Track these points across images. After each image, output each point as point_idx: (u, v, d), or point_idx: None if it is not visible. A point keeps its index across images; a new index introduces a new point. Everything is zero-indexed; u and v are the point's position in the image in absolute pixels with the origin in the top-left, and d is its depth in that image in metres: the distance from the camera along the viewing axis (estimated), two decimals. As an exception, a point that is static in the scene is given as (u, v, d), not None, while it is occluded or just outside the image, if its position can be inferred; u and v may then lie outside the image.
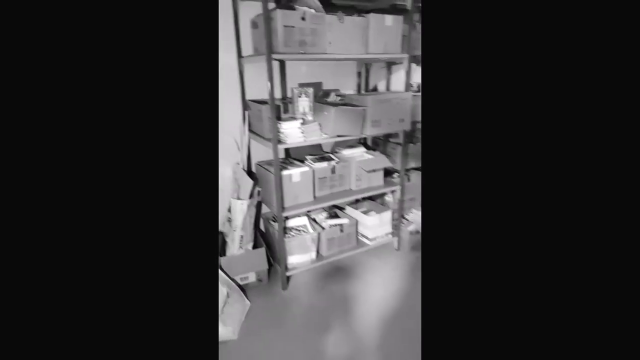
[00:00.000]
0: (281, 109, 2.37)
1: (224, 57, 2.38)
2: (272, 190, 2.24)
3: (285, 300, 2.29)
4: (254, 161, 2.63)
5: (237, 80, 2.45)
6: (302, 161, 2.54)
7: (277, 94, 2.62)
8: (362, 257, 2.73)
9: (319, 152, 2.72)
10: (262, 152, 2.62)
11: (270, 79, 1.98)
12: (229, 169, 2.57)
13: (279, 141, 2.16)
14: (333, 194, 2.54)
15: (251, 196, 2.34)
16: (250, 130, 2.46)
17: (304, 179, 2.36)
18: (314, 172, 2.43)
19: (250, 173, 2.62)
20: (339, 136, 2.30)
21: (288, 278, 2.45)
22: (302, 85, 2.67)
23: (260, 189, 2.47)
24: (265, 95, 2.55)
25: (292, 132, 2.19)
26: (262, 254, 2.38)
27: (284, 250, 2.33)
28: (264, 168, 2.43)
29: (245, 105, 2.49)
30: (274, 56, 1.99)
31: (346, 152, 2.63)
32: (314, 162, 2.48)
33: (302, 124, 2.23)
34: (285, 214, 2.27)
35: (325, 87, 2.79)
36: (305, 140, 2.23)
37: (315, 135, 2.27)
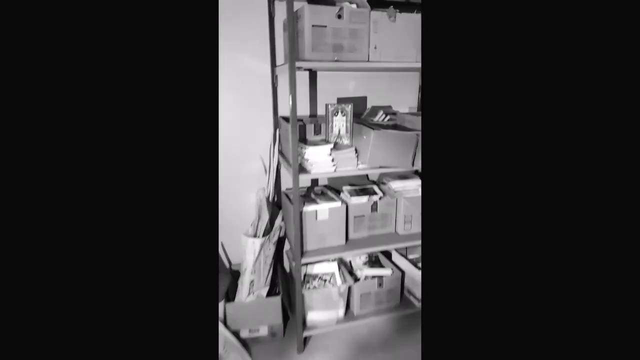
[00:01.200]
0: (312, 129, 1.93)
1: (258, 67, 2.04)
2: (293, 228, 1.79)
3: (297, 368, 1.81)
4: (284, 188, 2.23)
5: (270, 93, 2.08)
6: (338, 192, 2.06)
7: (306, 111, 2.19)
8: (408, 322, 2.12)
9: (362, 182, 2.21)
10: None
11: (292, 91, 1.56)
12: (254, 195, 2.20)
13: (301, 169, 1.72)
14: (372, 238, 2.01)
15: (267, 232, 1.93)
16: (281, 153, 2.06)
17: (334, 217, 1.87)
18: (348, 208, 1.94)
19: (276, 203, 2.22)
20: (381, 167, 1.78)
21: (306, 339, 1.97)
22: (341, 100, 2.21)
23: (283, 224, 2.05)
24: (303, 111, 2.14)
25: (320, 159, 1.73)
26: (277, 303, 1.94)
27: (302, 304, 1.86)
28: (288, 199, 2.00)
29: (277, 122, 2.11)
30: (299, 64, 1.56)
31: (395, 185, 2.08)
32: (351, 195, 1.98)
33: (334, 149, 1.76)
34: (305, 260, 1.81)
35: (374, 102, 2.29)
36: (335, 170, 1.75)
37: (350, 165, 1.78)
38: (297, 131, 1.63)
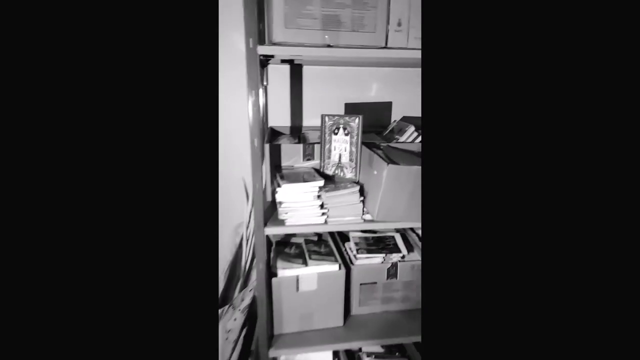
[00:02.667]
0: (300, 151, 1.29)
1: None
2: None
3: None
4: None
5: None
6: (343, 238, 1.41)
7: (286, 122, 1.54)
8: None
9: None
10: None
11: (254, 90, 0.94)
12: (228, 234, 1.62)
13: (265, 222, 1.09)
14: (387, 316, 1.33)
15: (227, 301, 1.33)
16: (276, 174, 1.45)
17: (326, 287, 1.23)
18: (351, 273, 1.28)
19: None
20: (396, 222, 1.10)
21: None
22: (349, 109, 1.53)
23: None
24: (285, 121, 1.51)
25: (301, 204, 1.09)
26: (242, 400, 1.34)
27: (270, 413, 1.24)
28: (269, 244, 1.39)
29: (264, 133, 1.50)
30: (265, 50, 0.93)
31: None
32: (359, 247, 1.32)
33: (329, 187, 1.11)
34: (277, 353, 1.18)
35: (404, 111, 1.58)
36: (327, 221, 1.10)
37: (350, 214, 1.12)
38: (261, 154, 1.00)
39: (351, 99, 1.53)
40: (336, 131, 1.21)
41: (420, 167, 1.01)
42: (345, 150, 1.20)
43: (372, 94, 1.54)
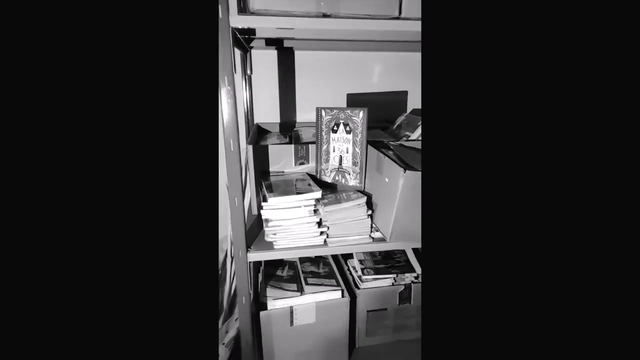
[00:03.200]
0: (291, 152, 1.05)
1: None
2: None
3: None
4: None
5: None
6: (348, 254, 1.19)
7: (276, 117, 1.31)
8: None
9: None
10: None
11: (227, 77, 0.70)
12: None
13: (248, 245, 0.86)
14: (400, 347, 1.12)
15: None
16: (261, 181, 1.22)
17: (327, 318, 1.00)
18: (357, 300, 1.06)
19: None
20: (414, 241, 0.88)
21: None
22: (352, 100, 1.29)
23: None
24: (273, 116, 1.28)
25: (293, 220, 0.86)
26: None
27: None
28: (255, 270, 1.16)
29: (249, 133, 1.26)
30: (236, 20, 0.69)
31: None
32: (366, 269, 1.10)
33: (322, 201, 0.88)
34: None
35: (419, 103, 1.35)
36: (326, 241, 0.88)
37: (357, 232, 0.89)
38: (239, 160, 0.77)
39: (355, 88, 1.29)
40: (335, 128, 0.97)
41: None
42: (348, 152, 0.97)
43: (381, 83, 1.31)
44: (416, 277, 1.13)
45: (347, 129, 0.96)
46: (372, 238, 0.90)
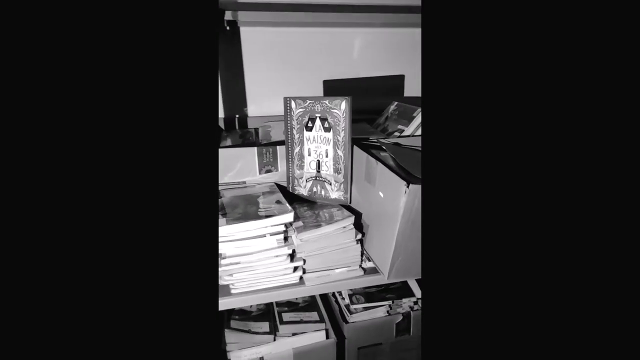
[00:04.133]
0: (253, 159, 0.81)
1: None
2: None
3: None
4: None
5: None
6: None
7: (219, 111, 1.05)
8: None
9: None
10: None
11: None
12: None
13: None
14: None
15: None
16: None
17: (309, 366, 0.79)
18: (346, 335, 0.85)
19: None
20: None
21: None
22: (328, 85, 1.05)
23: None
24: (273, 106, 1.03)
25: (258, 256, 0.63)
26: None
27: None
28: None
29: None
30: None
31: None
32: (356, 296, 0.90)
33: (295, 224, 0.65)
34: None
35: (418, 90, 1.12)
36: (302, 280, 0.65)
37: (343, 263, 0.67)
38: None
39: (333, 73, 1.05)
40: (310, 124, 0.74)
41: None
42: (327, 155, 0.74)
43: (368, 65, 1.07)
44: (415, 302, 0.92)
45: (326, 125, 0.72)
46: (364, 269, 0.69)
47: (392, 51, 1.06)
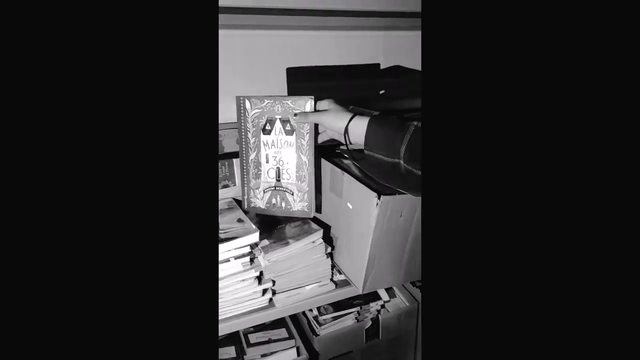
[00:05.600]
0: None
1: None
2: None
3: None
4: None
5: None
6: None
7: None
8: None
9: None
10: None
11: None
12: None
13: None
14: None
15: None
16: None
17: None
18: (318, 348, 0.83)
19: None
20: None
21: None
22: (292, 77, 0.98)
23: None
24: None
25: (222, 282, 0.57)
26: None
27: None
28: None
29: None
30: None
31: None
32: (324, 308, 0.87)
33: (261, 244, 0.61)
34: None
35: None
36: (272, 302, 0.61)
37: (314, 279, 0.64)
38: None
39: (299, 60, 0.95)
40: (268, 127, 0.69)
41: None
42: (289, 162, 0.69)
43: (342, 53, 0.96)
44: (382, 306, 0.93)
45: (288, 127, 0.67)
46: (335, 283, 0.67)
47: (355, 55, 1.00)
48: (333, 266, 0.66)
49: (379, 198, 0.53)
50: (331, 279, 0.66)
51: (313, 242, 0.63)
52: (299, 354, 0.80)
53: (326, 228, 0.67)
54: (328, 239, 0.66)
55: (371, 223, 0.55)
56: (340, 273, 0.67)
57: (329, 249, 0.65)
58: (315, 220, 0.69)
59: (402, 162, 0.50)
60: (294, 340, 0.81)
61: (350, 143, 0.56)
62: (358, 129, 0.54)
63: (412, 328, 0.96)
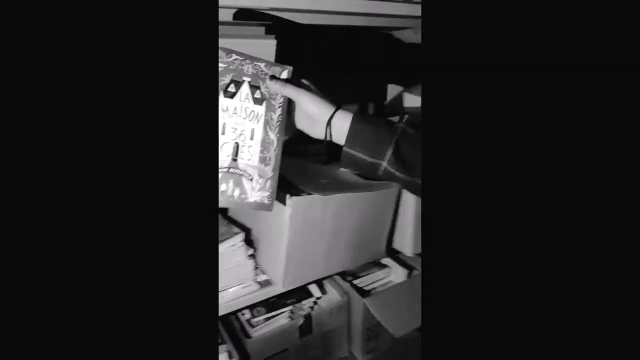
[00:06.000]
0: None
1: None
2: None
3: None
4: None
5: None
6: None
7: None
8: None
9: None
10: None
11: None
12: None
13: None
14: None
15: None
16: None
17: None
18: (250, 349, 0.84)
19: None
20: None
21: None
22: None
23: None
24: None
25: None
26: None
27: None
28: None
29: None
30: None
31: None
32: (257, 310, 0.88)
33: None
34: None
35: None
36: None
37: (237, 281, 0.66)
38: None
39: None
40: (232, 89, 0.54)
41: (359, 192, 0.60)
42: (253, 137, 0.55)
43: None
44: (315, 302, 0.96)
45: (257, 95, 0.54)
46: (259, 283, 0.68)
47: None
48: (256, 267, 0.68)
49: (289, 197, 0.57)
50: (254, 280, 0.68)
51: (234, 244, 0.64)
52: (230, 358, 0.80)
53: (247, 231, 0.68)
54: (249, 242, 0.68)
55: (285, 222, 0.58)
56: (263, 273, 0.69)
57: (251, 251, 0.66)
58: (236, 222, 0.70)
59: (384, 163, 0.49)
60: (225, 345, 0.81)
61: (330, 137, 0.51)
62: (340, 123, 0.50)
63: (344, 320, 1.01)
